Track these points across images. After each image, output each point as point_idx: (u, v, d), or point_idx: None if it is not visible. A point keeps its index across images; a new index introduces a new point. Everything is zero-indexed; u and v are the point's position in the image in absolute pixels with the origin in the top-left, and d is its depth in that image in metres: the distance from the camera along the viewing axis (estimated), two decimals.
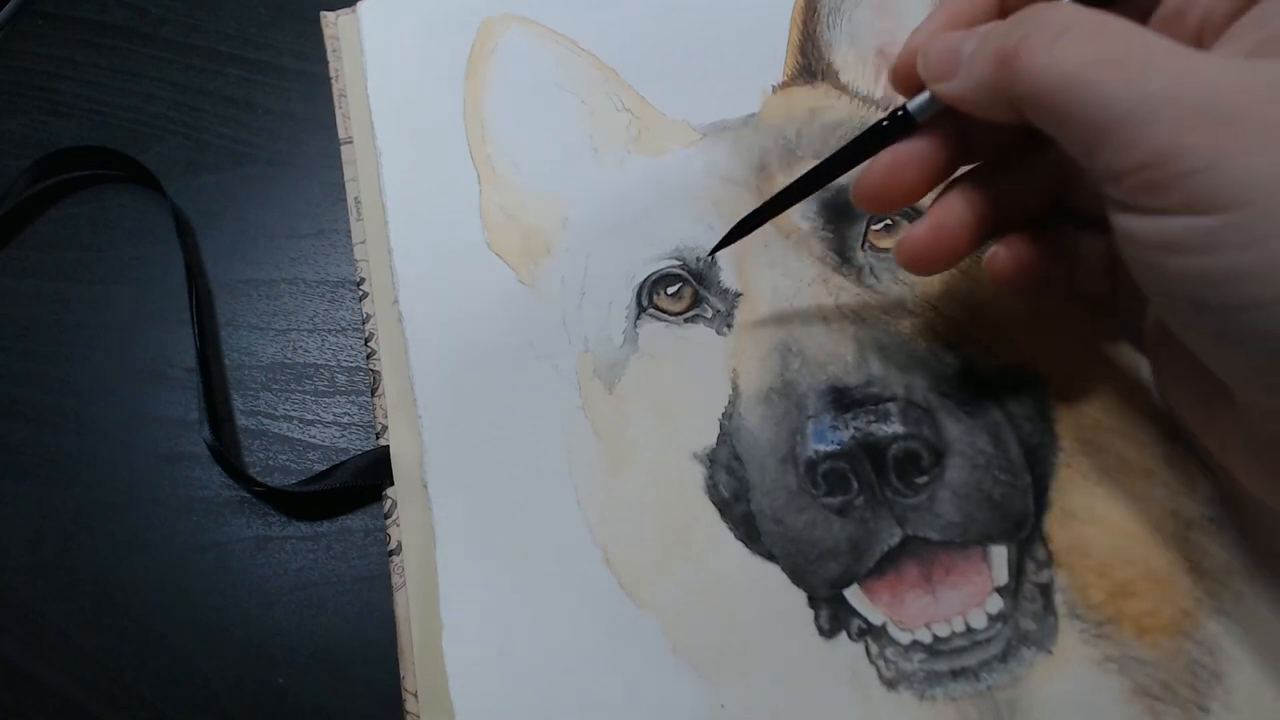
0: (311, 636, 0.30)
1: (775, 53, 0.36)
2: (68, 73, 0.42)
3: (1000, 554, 0.27)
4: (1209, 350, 0.21)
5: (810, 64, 0.36)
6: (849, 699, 0.26)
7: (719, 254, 0.32)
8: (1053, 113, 0.21)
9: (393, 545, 0.30)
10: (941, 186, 0.26)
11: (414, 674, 0.28)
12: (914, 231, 0.26)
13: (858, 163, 0.27)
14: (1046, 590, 0.27)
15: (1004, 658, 0.26)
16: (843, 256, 0.31)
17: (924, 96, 0.25)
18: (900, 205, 0.26)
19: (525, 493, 0.30)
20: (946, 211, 0.26)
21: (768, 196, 0.30)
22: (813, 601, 0.27)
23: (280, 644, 0.30)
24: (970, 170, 0.27)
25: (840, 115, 0.34)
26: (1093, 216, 0.26)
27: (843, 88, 0.35)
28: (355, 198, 0.36)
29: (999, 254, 0.27)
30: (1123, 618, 0.26)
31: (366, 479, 0.31)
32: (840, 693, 0.26)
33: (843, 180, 0.32)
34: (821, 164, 0.27)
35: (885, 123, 0.25)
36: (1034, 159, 0.26)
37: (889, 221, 0.32)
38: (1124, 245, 0.21)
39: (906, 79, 0.25)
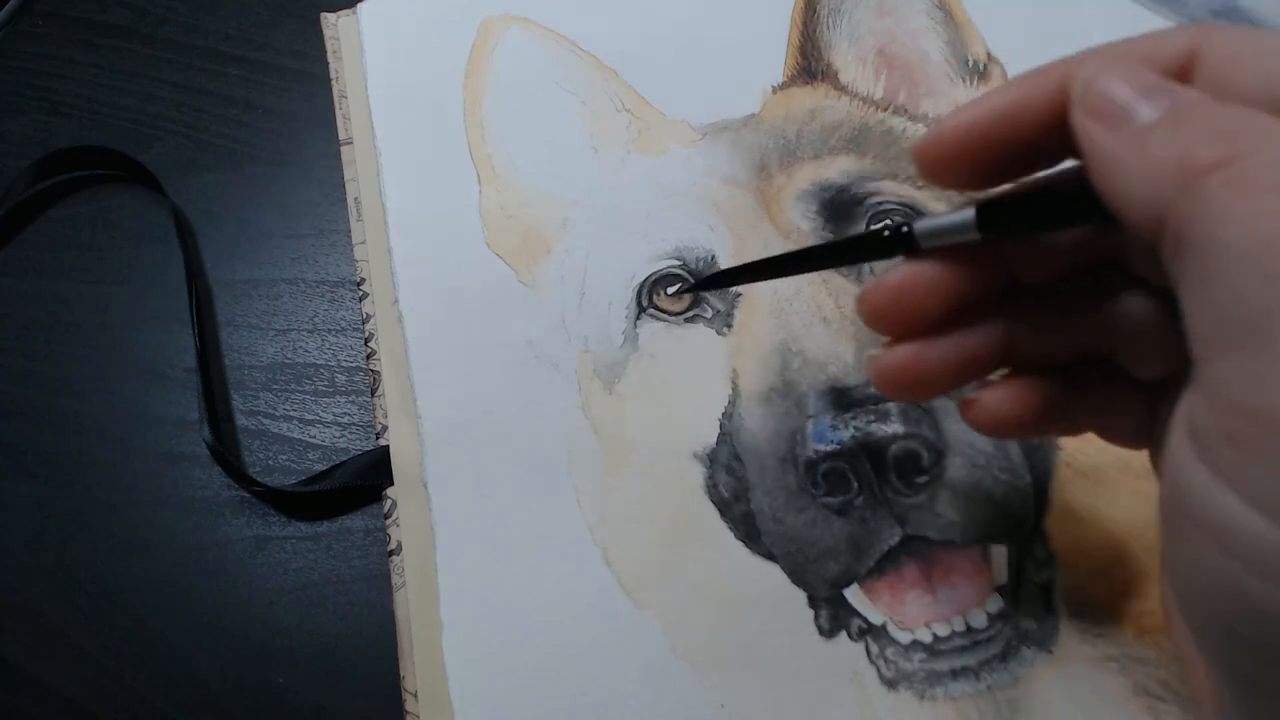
0: (311, 636, 0.30)
1: (775, 53, 0.36)
2: (68, 73, 0.42)
3: (1000, 553, 0.27)
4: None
5: (810, 64, 0.36)
6: (849, 699, 0.26)
7: (718, 254, 0.32)
8: (1214, 292, 0.15)
9: (393, 545, 0.30)
10: None
11: (414, 674, 0.28)
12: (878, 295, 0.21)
13: (847, 263, 0.23)
14: (1047, 590, 0.27)
15: (1004, 657, 0.26)
16: None
17: (941, 221, 0.20)
18: (905, 331, 0.22)
19: (525, 493, 0.30)
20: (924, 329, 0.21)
21: (767, 196, 0.30)
22: (813, 601, 0.27)
23: (280, 644, 0.30)
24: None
25: (840, 115, 0.34)
26: (1143, 379, 0.21)
27: (842, 88, 0.35)
28: (355, 198, 0.36)
29: (985, 401, 0.22)
30: (1123, 617, 0.26)
31: (366, 479, 0.31)
32: (840, 693, 0.26)
33: (842, 180, 0.33)
34: (807, 250, 0.24)
35: (886, 232, 0.21)
36: (1081, 304, 0.21)
37: (889, 222, 0.32)
38: (1176, 498, 0.16)
39: (936, 163, 0.20)
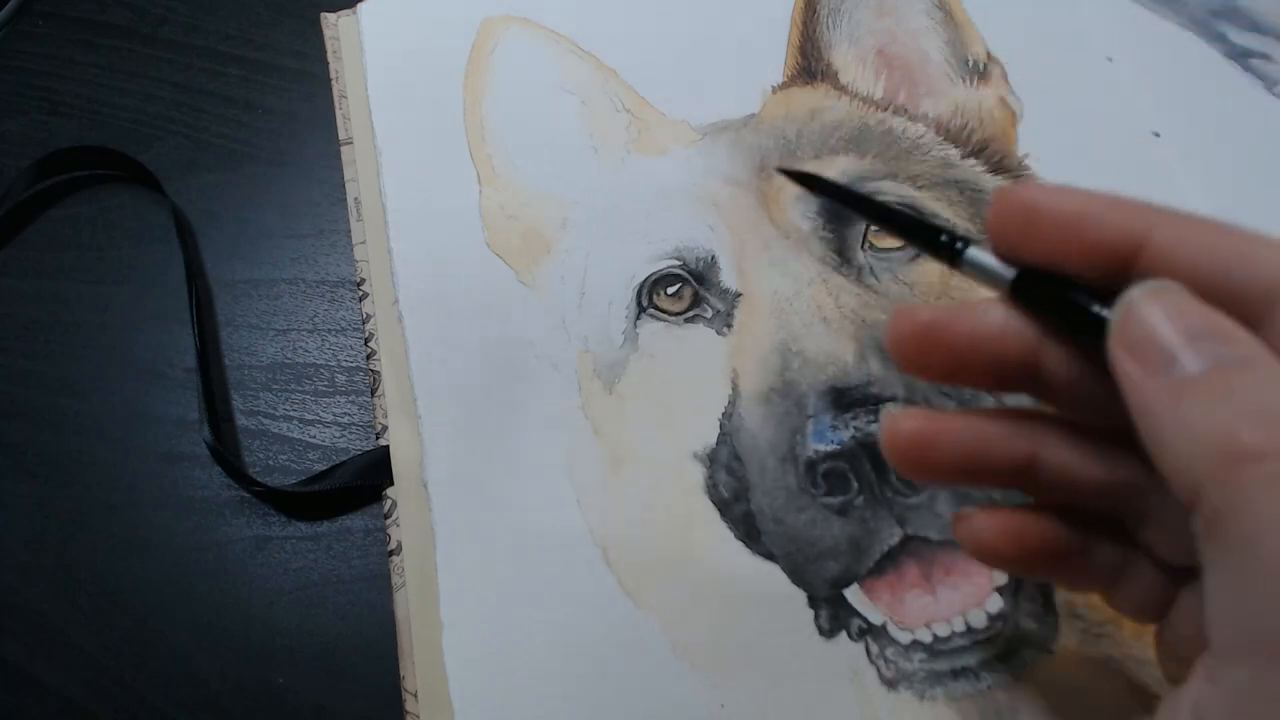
0: (311, 636, 0.30)
1: (775, 53, 0.36)
2: (68, 73, 0.42)
3: None
4: None
5: (810, 64, 0.36)
6: (849, 699, 0.26)
7: (718, 254, 0.32)
8: (1244, 596, 0.14)
9: (393, 545, 0.30)
10: None
11: (414, 674, 0.28)
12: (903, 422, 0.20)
13: (895, 234, 0.23)
14: (1046, 590, 0.27)
15: (1004, 657, 0.26)
16: (843, 256, 0.31)
17: (988, 261, 0.19)
18: (930, 366, 0.20)
19: (525, 493, 0.30)
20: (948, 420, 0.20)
21: (768, 196, 0.30)
22: (813, 601, 0.27)
23: (280, 644, 0.30)
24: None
25: (840, 115, 0.34)
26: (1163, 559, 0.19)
27: (842, 88, 0.35)
28: (355, 198, 0.36)
29: (976, 523, 0.20)
30: (1122, 617, 0.26)
31: (366, 479, 0.31)
32: (840, 693, 0.26)
33: (842, 180, 0.33)
34: (873, 203, 0.23)
35: (944, 237, 0.20)
36: (1115, 456, 0.19)
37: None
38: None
39: (1004, 227, 0.19)
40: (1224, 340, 0.15)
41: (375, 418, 0.32)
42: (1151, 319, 0.16)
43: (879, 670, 0.26)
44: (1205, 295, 0.16)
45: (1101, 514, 0.20)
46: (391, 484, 0.31)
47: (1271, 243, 0.16)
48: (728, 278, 0.32)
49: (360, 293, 0.34)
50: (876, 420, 0.28)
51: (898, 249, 0.31)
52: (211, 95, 0.41)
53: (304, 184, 0.38)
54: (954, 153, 0.33)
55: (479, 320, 0.32)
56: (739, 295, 0.31)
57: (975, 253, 0.20)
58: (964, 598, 0.27)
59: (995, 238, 0.19)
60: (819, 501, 0.28)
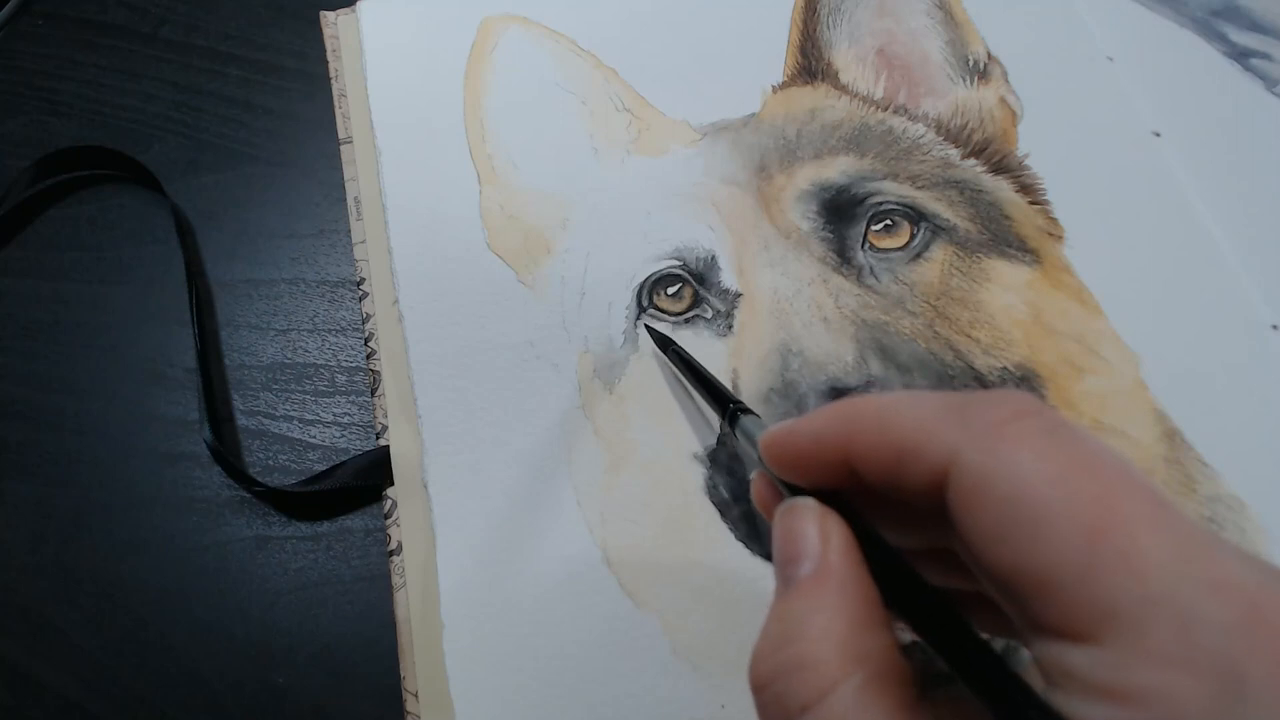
0: (311, 636, 0.30)
1: (775, 53, 0.36)
2: (68, 73, 0.42)
3: None
4: None
5: (810, 64, 0.36)
6: None
7: (718, 254, 0.32)
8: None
9: (393, 545, 0.30)
10: None
11: (414, 674, 0.28)
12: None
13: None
14: None
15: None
16: (843, 257, 0.31)
17: (751, 453, 0.21)
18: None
19: (525, 493, 0.30)
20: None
21: (768, 196, 0.30)
22: None
23: (280, 644, 0.30)
24: None
25: (840, 115, 0.34)
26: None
27: (843, 88, 0.35)
28: (355, 198, 0.36)
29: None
30: None
31: (366, 479, 0.31)
32: None
33: (842, 180, 0.33)
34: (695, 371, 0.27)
35: (732, 405, 0.24)
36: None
37: (889, 222, 0.32)
38: None
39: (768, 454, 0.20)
40: (793, 564, 0.19)
41: (375, 418, 0.32)
42: (776, 529, 0.20)
43: None
44: (895, 466, 0.18)
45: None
46: (391, 484, 0.31)
47: (944, 411, 0.17)
48: (728, 278, 0.32)
49: (360, 293, 0.34)
50: None
51: (898, 249, 0.31)
52: (211, 95, 0.41)
53: (304, 184, 0.38)
54: (954, 153, 0.33)
55: (479, 320, 0.32)
56: (739, 295, 0.31)
57: (742, 426, 0.23)
58: None
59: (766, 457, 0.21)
60: None
